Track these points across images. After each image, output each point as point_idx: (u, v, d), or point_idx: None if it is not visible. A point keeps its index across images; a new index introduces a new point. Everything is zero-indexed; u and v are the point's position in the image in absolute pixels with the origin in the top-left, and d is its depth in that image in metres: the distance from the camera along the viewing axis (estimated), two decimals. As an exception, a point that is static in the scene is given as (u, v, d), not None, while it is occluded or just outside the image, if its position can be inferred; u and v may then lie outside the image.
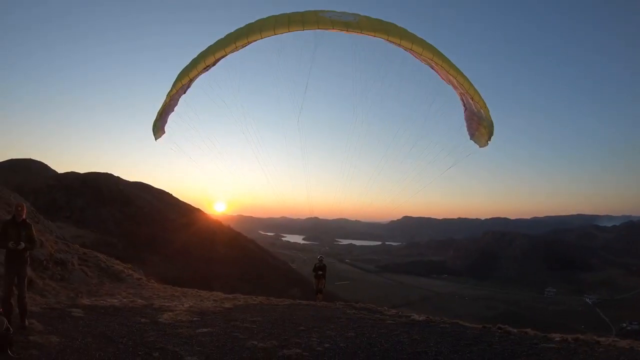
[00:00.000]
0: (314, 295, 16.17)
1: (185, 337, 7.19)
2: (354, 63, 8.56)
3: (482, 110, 9.02)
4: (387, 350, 7.05)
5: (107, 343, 6.46)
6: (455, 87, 9.11)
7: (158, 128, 9.59)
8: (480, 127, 9.49)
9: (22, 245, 6.67)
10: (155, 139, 9.71)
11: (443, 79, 9.08)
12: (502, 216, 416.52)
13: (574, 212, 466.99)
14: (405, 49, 8.21)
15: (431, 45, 8.47)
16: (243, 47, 8.19)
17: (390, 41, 8.03)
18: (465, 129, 10.02)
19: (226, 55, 8.19)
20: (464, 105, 9.70)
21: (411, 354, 6.81)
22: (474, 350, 7.02)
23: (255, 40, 8.01)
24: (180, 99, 9.32)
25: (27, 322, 6.83)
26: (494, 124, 9.26)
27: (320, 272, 16.03)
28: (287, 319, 9.59)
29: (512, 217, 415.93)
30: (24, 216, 7.01)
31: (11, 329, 5.99)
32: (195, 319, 8.88)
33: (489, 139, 9.46)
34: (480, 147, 9.79)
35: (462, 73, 8.66)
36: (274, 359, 6.32)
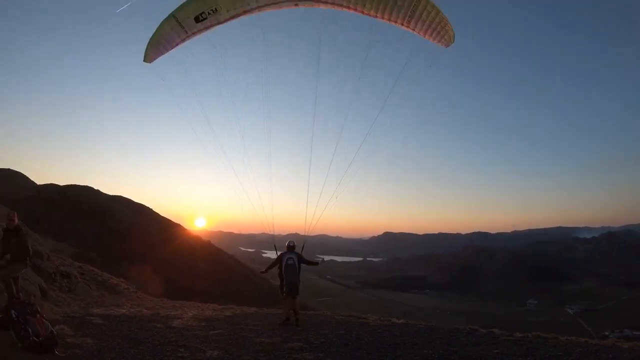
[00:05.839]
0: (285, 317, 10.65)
1: (201, 337, 8.37)
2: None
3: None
4: (372, 342, 8.56)
5: (136, 344, 7.54)
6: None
7: (149, 54, 9.62)
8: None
9: (5, 258, 7.54)
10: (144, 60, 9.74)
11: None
12: (482, 230, 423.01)
13: (554, 225, 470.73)
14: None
15: None
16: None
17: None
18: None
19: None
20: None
21: (392, 345, 8.29)
22: (444, 342, 8.49)
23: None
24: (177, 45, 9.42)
25: None
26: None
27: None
28: (285, 323, 10.76)
29: (493, 231, 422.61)
30: (15, 223, 7.79)
31: (55, 331, 6.98)
32: (203, 324, 10.04)
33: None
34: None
35: None
36: (281, 350, 7.57)
